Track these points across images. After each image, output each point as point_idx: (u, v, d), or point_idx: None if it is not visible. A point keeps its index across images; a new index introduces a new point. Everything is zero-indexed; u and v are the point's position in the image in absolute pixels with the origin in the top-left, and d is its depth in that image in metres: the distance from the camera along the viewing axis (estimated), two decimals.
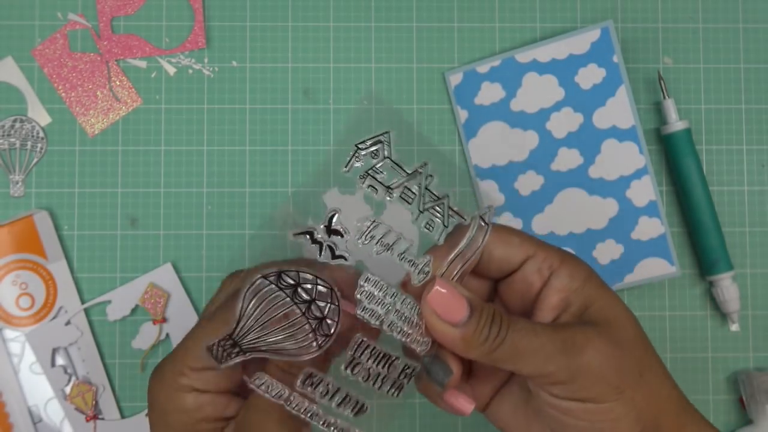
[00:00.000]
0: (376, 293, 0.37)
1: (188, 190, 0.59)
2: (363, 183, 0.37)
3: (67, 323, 0.57)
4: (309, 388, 0.37)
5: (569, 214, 0.59)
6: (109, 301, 0.58)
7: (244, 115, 0.60)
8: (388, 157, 0.37)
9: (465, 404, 0.39)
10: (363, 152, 0.37)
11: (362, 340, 0.37)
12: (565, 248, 0.40)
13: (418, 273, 0.37)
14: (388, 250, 0.37)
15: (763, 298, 0.60)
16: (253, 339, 0.36)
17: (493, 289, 0.42)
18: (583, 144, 0.59)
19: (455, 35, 0.61)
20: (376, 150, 0.37)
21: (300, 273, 0.36)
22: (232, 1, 0.60)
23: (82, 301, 0.58)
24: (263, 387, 0.36)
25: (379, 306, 0.37)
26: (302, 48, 0.60)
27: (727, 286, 0.58)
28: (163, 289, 0.58)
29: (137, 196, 0.59)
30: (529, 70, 0.59)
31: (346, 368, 0.37)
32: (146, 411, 0.57)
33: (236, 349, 0.36)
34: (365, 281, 0.37)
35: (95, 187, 0.59)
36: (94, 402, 0.57)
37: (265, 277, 0.36)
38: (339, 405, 0.37)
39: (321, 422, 0.37)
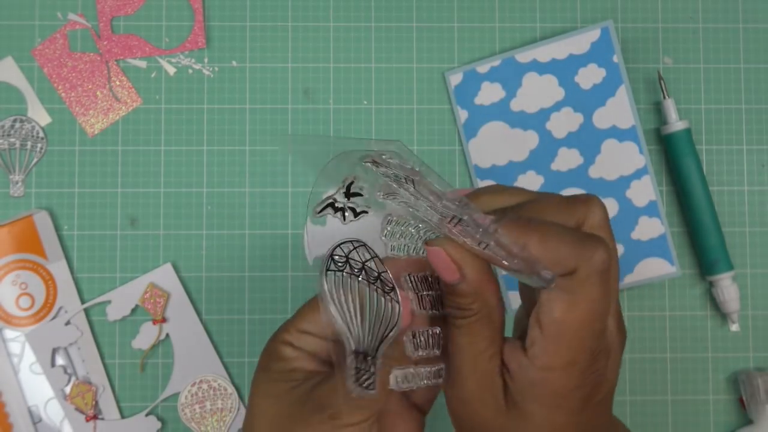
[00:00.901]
0: (396, 230, 0.37)
1: (188, 190, 0.59)
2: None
3: (67, 323, 0.57)
4: (421, 350, 0.37)
5: None
6: (109, 301, 0.58)
7: (244, 115, 0.60)
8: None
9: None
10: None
11: (408, 274, 0.37)
12: None
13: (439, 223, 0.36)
14: (410, 206, 0.35)
15: (763, 298, 0.60)
16: (371, 341, 0.35)
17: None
18: (583, 144, 0.59)
19: (455, 35, 0.61)
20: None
21: (341, 245, 0.35)
22: (232, 1, 0.60)
23: (82, 301, 0.58)
24: (404, 383, 0.36)
25: (404, 238, 0.37)
26: (302, 48, 0.60)
27: (727, 286, 0.58)
28: (163, 289, 0.58)
29: (137, 196, 0.59)
30: (529, 70, 0.59)
31: (420, 308, 0.37)
32: (146, 411, 0.58)
33: (372, 361, 0.35)
34: (387, 223, 0.36)
35: (95, 187, 0.59)
36: (94, 402, 0.57)
37: (328, 270, 0.35)
38: (434, 347, 0.37)
39: (440, 375, 0.37)
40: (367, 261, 0.36)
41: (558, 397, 0.36)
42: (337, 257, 0.35)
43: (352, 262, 0.36)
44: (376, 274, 0.36)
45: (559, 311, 0.34)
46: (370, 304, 0.35)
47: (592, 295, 0.34)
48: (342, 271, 0.35)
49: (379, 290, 0.36)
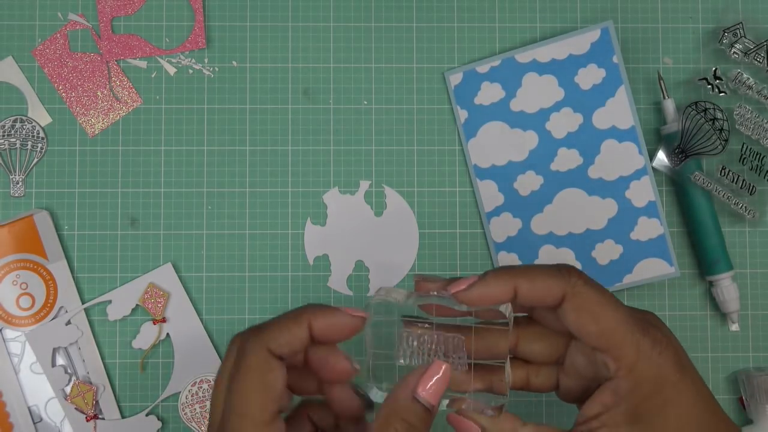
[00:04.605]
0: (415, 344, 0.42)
1: (188, 190, 0.59)
2: None
3: (68, 323, 0.57)
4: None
5: (568, 215, 0.59)
6: (110, 301, 0.58)
7: (244, 115, 0.60)
8: None
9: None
10: None
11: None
12: (566, 266, 0.40)
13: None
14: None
15: (763, 298, 0.60)
16: None
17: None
18: (583, 144, 0.59)
19: (455, 35, 0.61)
20: None
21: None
22: (232, 1, 0.60)
23: (83, 301, 0.58)
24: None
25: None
26: (302, 48, 0.60)
27: (726, 286, 0.58)
28: (163, 289, 0.58)
29: (137, 196, 0.59)
30: (528, 71, 0.59)
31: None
32: (146, 411, 0.58)
33: None
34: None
35: (95, 187, 0.59)
36: (94, 402, 0.57)
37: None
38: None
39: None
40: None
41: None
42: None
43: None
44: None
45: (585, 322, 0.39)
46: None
47: (594, 296, 0.39)
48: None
49: None
